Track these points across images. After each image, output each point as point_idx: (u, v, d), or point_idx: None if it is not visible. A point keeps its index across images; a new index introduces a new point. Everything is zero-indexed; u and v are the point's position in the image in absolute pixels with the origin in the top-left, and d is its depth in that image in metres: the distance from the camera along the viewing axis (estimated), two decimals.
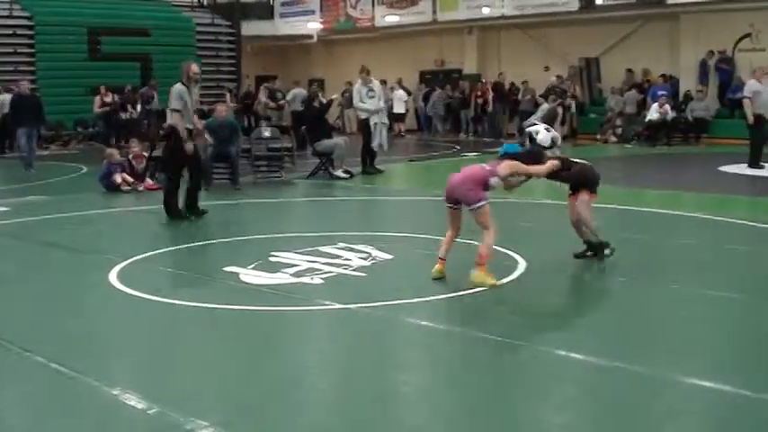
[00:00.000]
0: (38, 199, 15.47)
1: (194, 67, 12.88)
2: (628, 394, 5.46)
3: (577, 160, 9.63)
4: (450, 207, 8.64)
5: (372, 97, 18.90)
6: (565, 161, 9.30)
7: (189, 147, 12.58)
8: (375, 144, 18.89)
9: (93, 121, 29.02)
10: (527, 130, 9.62)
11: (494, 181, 8.48)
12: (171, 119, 12.69)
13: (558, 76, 27.80)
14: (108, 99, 28.10)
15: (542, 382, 5.78)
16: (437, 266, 8.53)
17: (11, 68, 28.63)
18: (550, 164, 8.95)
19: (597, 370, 5.95)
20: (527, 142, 9.23)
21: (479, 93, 30.08)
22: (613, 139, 26.33)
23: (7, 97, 26.14)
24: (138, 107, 28.79)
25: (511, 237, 10.68)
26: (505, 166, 8.53)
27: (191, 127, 12.66)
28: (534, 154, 8.93)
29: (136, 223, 13.44)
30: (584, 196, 9.29)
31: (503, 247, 9.75)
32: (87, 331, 7.26)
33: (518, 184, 8.96)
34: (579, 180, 9.38)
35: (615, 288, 8.42)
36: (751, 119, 17.94)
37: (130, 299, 8.13)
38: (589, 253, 9.43)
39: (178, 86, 12.67)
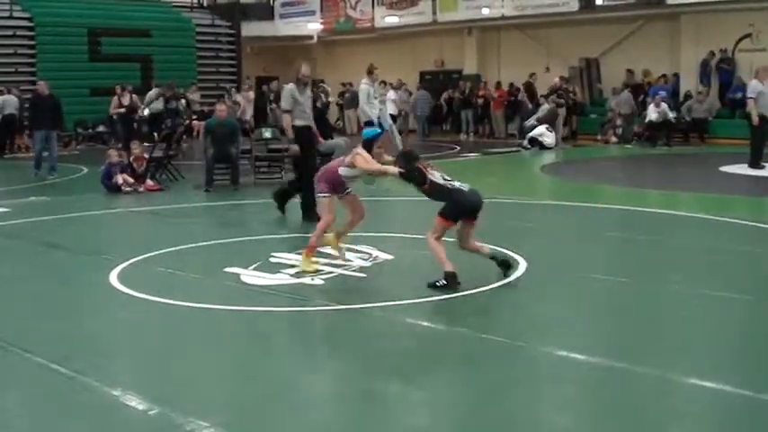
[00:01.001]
0: (38, 200, 15.47)
1: (304, 69, 12.86)
2: (629, 395, 5.46)
3: (432, 178, 8.46)
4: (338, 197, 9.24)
5: (377, 98, 18.87)
6: (416, 174, 8.50)
7: (294, 149, 12.61)
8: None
9: (103, 121, 28.64)
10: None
11: (342, 170, 9.03)
12: (282, 120, 12.73)
13: (562, 78, 27.78)
14: (126, 100, 27.77)
15: (543, 383, 5.78)
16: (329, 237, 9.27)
17: (11, 69, 28.64)
18: (385, 168, 8.88)
19: (598, 370, 5.96)
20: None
21: (480, 93, 30.06)
22: (614, 139, 26.32)
23: (8, 98, 26.23)
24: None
25: (512, 237, 10.68)
26: (349, 159, 8.98)
27: (301, 124, 12.53)
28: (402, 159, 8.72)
29: (136, 224, 13.44)
30: (435, 220, 8.45)
31: (504, 248, 9.75)
32: (88, 332, 7.26)
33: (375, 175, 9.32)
34: (437, 198, 8.55)
35: (616, 288, 8.41)
36: (756, 120, 17.91)
37: (131, 300, 8.13)
38: (500, 269, 8.64)
39: (290, 86, 12.65)
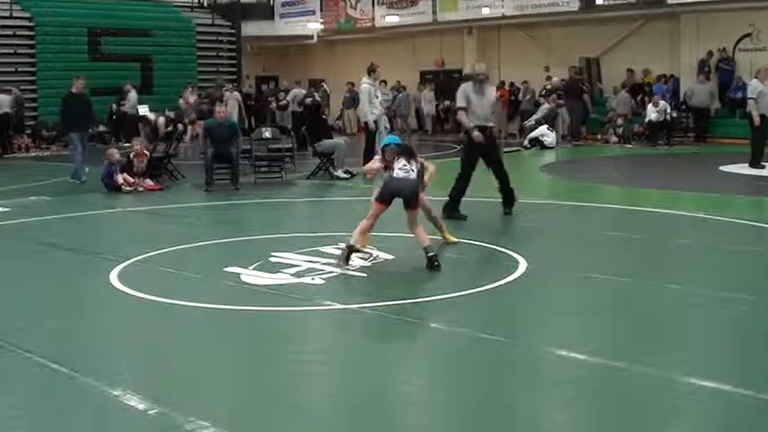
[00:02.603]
0: (38, 199, 15.47)
1: (478, 67, 12.97)
2: (629, 394, 5.46)
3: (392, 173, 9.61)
4: None
5: (378, 98, 18.83)
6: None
7: (477, 135, 12.37)
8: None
9: (103, 121, 28.44)
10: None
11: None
12: (459, 116, 12.72)
13: (578, 72, 27.65)
14: (192, 99, 27.57)
15: (543, 383, 5.78)
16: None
17: (11, 69, 28.64)
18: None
19: (599, 370, 5.95)
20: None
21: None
22: (614, 138, 26.31)
23: (3, 98, 26.15)
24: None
25: (512, 237, 10.70)
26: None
27: (475, 123, 12.38)
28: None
29: (137, 224, 13.45)
30: (407, 213, 9.51)
31: (504, 248, 9.76)
32: (88, 332, 7.27)
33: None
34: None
35: (617, 288, 8.41)
36: (757, 120, 17.92)
37: (131, 299, 8.13)
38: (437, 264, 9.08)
39: (465, 85, 12.62)
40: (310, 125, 19.21)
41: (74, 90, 18.89)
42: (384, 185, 9.60)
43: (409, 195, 9.32)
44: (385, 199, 9.43)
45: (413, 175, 9.43)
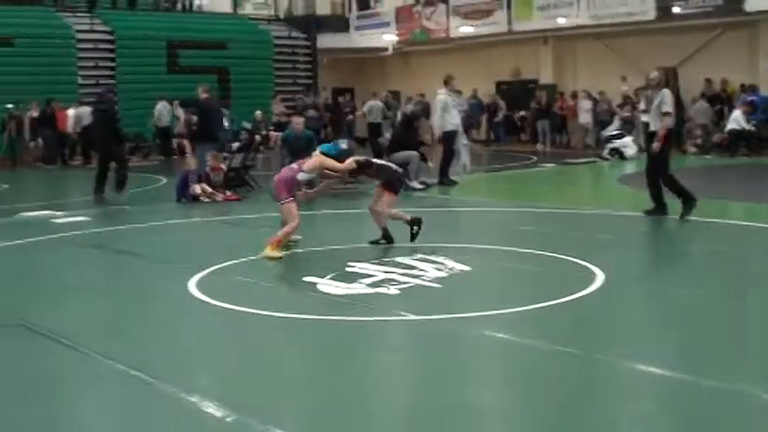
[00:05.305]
0: (118, 209, 15.73)
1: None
2: (709, 411, 5.35)
3: (377, 161, 11.44)
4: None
5: (455, 107, 18.76)
6: (363, 162, 10.96)
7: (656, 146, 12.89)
8: (460, 165, 18.75)
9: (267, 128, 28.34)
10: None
11: (301, 176, 10.44)
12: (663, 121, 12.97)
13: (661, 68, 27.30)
14: (279, 109, 27.80)
15: (619, 397, 5.69)
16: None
17: (92, 82, 29.25)
18: (348, 162, 10.65)
19: (676, 385, 5.84)
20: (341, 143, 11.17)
21: (559, 105, 29.93)
22: (692, 149, 25.92)
23: (84, 110, 26.70)
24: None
25: (589, 249, 10.58)
26: (312, 162, 10.44)
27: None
28: (342, 154, 10.73)
29: (214, 233, 13.58)
30: (386, 197, 10.99)
31: (581, 259, 9.67)
32: (167, 339, 7.37)
33: (336, 181, 11.50)
34: (382, 178, 11.05)
35: (696, 301, 8.25)
36: None
37: (209, 308, 8.22)
38: (382, 241, 10.99)
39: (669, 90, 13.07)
40: (402, 135, 18.95)
41: (206, 101, 18.56)
42: (389, 172, 11.24)
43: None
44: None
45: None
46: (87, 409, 5.72)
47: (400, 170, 11.66)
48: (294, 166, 10.58)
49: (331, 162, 10.60)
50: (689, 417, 5.31)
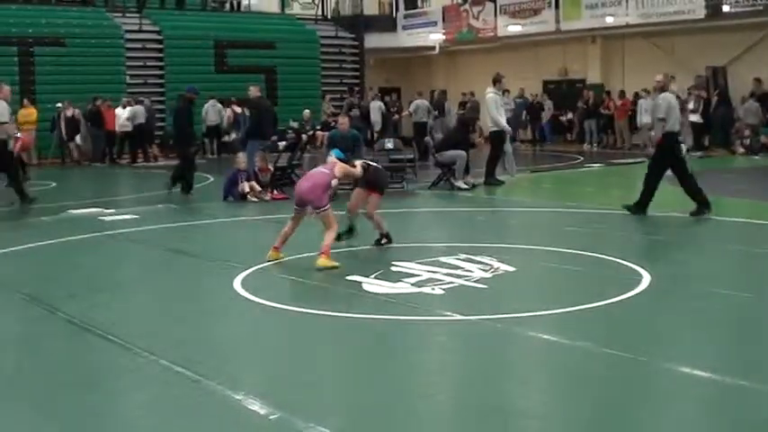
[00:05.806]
0: (165, 207, 15.87)
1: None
2: (753, 414, 5.30)
3: (372, 163, 11.42)
4: (297, 209, 10.38)
5: (503, 106, 18.70)
6: (367, 165, 11.08)
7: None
8: (507, 168, 18.68)
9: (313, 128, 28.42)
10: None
11: (334, 182, 10.43)
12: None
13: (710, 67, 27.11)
14: (330, 109, 27.98)
15: (664, 400, 5.65)
16: (271, 253, 10.23)
17: (141, 81, 29.53)
18: (359, 166, 10.84)
19: (720, 388, 5.79)
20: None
21: (607, 105, 29.74)
22: (741, 150, 25.62)
23: (138, 109, 27.08)
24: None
25: (635, 250, 10.53)
26: (339, 169, 10.46)
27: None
28: (345, 160, 10.86)
29: (260, 232, 13.63)
30: (374, 198, 11.07)
31: (627, 261, 9.61)
32: (212, 337, 7.42)
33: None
34: (372, 180, 11.05)
35: (742, 304, 8.16)
36: None
37: (254, 306, 8.29)
38: (383, 240, 11.14)
39: None
40: (454, 135, 18.92)
41: (256, 98, 18.63)
42: (381, 175, 11.42)
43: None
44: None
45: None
46: (133, 403, 5.79)
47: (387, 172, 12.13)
48: (324, 170, 10.50)
49: (349, 168, 10.73)
50: (734, 421, 5.26)
